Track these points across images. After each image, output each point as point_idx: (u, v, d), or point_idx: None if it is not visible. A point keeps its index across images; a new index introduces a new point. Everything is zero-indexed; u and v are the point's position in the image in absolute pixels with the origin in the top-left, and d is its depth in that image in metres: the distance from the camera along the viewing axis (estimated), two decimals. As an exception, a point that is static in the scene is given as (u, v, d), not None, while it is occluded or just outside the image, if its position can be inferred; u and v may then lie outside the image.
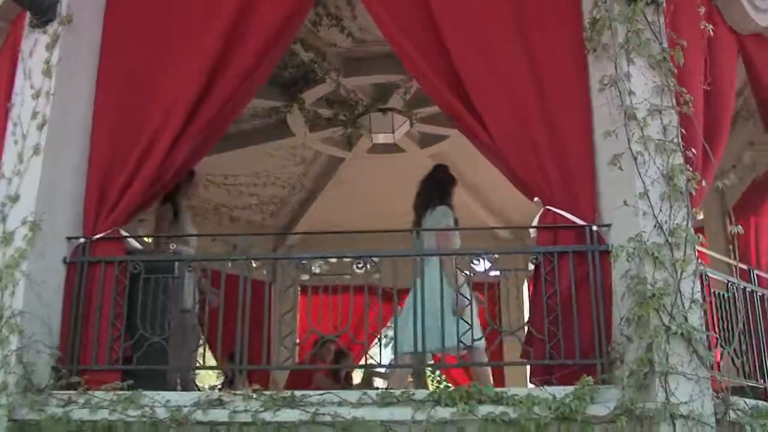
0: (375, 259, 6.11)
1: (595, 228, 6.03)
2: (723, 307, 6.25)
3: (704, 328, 5.60)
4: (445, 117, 10.44)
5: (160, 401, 5.70)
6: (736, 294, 6.41)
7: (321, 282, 13.17)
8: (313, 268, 13.74)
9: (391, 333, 6.65)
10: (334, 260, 13.40)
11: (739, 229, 6.23)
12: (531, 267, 11.24)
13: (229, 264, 6.41)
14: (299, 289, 12.57)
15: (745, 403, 5.93)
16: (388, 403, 5.56)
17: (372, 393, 5.64)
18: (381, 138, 10.46)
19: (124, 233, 6.40)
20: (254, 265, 10.13)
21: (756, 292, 6.67)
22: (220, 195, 12.18)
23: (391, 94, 10.13)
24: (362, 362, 11.94)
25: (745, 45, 7.51)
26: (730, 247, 9.10)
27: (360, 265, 6.03)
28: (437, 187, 7.91)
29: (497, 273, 12.82)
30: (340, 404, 5.59)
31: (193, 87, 6.55)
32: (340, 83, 9.80)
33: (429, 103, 10.18)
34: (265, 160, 11.52)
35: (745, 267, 6.79)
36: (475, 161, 11.37)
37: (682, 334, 5.47)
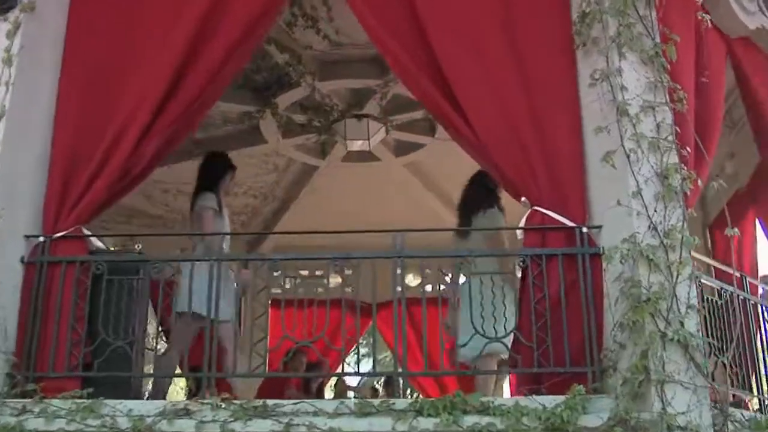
0: (353, 264, 5.70)
1: (585, 230, 5.66)
2: (716, 314, 5.87)
3: (701, 335, 5.22)
4: (422, 125, 10.25)
5: (122, 410, 5.23)
6: (729, 301, 6.02)
7: (295, 295, 13.04)
8: (286, 282, 13.49)
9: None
10: (305, 273, 13.19)
11: (735, 231, 5.85)
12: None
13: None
14: (270, 302, 12.15)
15: (742, 414, 5.56)
16: (367, 413, 5.13)
17: (350, 402, 5.22)
18: (356, 145, 10.05)
19: (86, 232, 5.93)
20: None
21: (748, 300, 6.29)
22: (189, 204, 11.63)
23: (367, 100, 9.73)
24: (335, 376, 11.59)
25: (734, 48, 7.22)
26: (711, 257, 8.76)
27: (336, 265, 5.61)
28: (487, 190, 7.45)
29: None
30: (315, 414, 5.15)
31: (162, 81, 6.12)
32: (315, 87, 9.40)
33: (406, 109, 9.86)
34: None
35: (738, 274, 6.43)
36: (451, 172, 11.11)
37: (678, 340, 5.12)
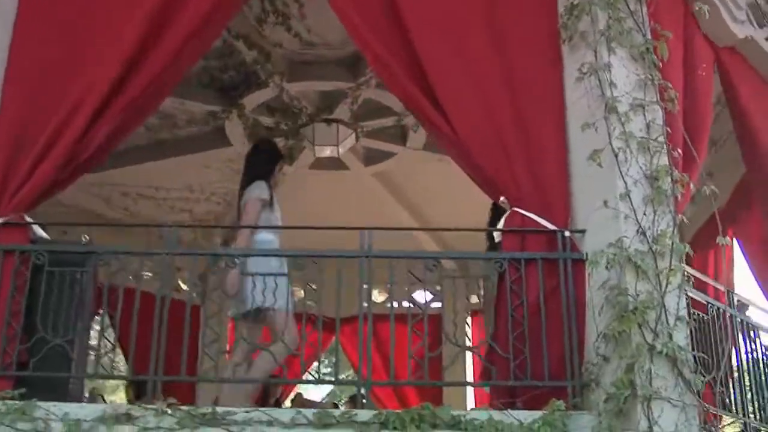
0: (318, 269, 5.17)
1: (567, 233, 5.20)
2: (702, 330, 5.41)
3: (690, 349, 4.77)
4: (393, 132, 9.78)
5: (57, 414, 4.65)
6: (716, 317, 5.57)
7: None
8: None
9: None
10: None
11: (727, 240, 5.40)
12: (474, 299, 10.50)
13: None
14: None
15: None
16: (327, 425, 4.60)
17: (307, 412, 4.69)
18: (325, 152, 9.53)
19: (28, 219, 5.37)
20: (184, 287, 9.25)
21: (736, 316, 5.84)
22: (150, 209, 11.05)
23: (337, 104, 9.23)
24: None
25: (721, 57, 6.82)
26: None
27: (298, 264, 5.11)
28: None
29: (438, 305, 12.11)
30: (270, 424, 4.62)
31: (115, 67, 5.57)
32: (284, 88, 8.89)
33: (377, 115, 9.42)
34: (200, 172, 10.48)
35: (724, 289, 5.99)
36: (421, 184, 10.67)
37: (667, 354, 4.65)
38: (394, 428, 4.53)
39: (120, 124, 5.67)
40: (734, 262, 8.61)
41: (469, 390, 10.62)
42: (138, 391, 8.51)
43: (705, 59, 6.49)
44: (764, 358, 6.08)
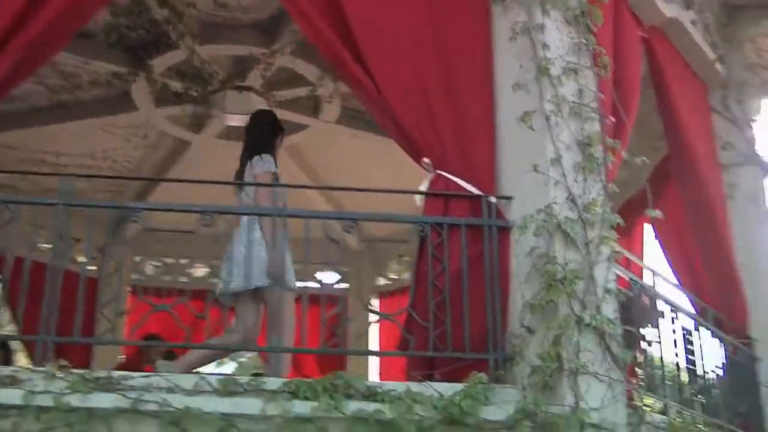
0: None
1: (493, 199, 4.86)
2: (625, 307, 5.13)
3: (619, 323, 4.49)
4: (306, 104, 9.33)
5: (-69, 377, 4.15)
6: (639, 295, 5.32)
7: (157, 283, 11.91)
8: (146, 269, 12.37)
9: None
10: (170, 261, 12.09)
11: (658, 213, 5.13)
12: (379, 281, 10.14)
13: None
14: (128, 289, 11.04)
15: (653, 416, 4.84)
16: (232, 393, 4.18)
17: (212, 379, 4.25)
18: (235, 120, 8.99)
19: None
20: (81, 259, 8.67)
21: (658, 295, 5.60)
22: (49, 177, 10.34)
23: (250, 70, 8.72)
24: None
25: (648, 36, 6.57)
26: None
27: (207, 219, 4.65)
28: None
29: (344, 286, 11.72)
30: (170, 391, 4.16)
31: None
32: (195, 51, 8.33)
33: (290, 84, 8.95)
34: (103, 138, 9.85)
35: (647, 266, 5.75)
36: (331, 158, 10.25)
37: (595, 327, 4.35)
38: (306, 398, 4.13)
39: (21, 61, 5.10)
40: (643, 252, 8.48)
41: (373, 368, 10.20)
42: (6, 357, 7.99)
43: (633, 37, 6.26)
44: (683, 338, 5.86)
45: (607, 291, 4.53)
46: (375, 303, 11.29)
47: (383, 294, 11.52)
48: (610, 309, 4.50)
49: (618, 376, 4.38)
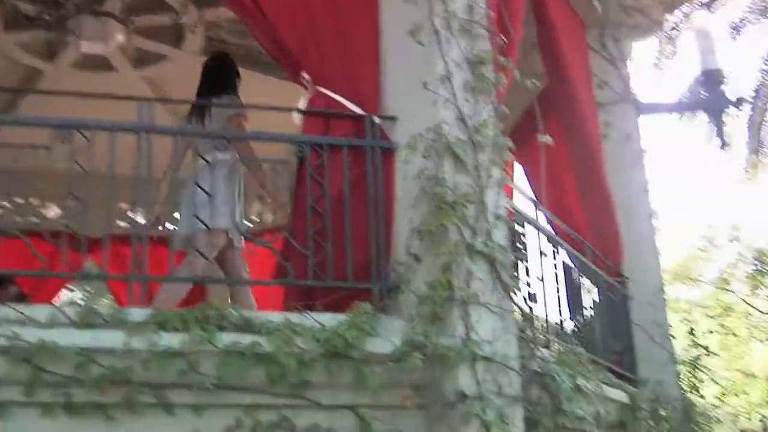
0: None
1: (377, 120, 4.46)
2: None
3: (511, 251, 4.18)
4: (168, 33, 8.69)
5: None
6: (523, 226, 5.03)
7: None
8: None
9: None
10: (20, 201, 11.25)
11: (548, 139, 4.84)
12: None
13: None
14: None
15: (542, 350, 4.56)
16: (91, 325, 3.67)
17: (69, 310, 3.73)
18: (91, 48, 8.29)
19: None
20: None
21: (541, 229, 5.33)
22: None
23: (109, -6, 8.04)
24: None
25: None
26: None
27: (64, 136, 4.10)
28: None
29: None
30: (22, 324, 3.62)
31: None
32: (51, -32, 7.62)
33: (152, 11, 8.29)
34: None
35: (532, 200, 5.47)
36: (193, 92, 9.62)
37: (486, 254, 4.02)
38: (174, 329, 3.67)
39: None
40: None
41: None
42: None
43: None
44: (564, 272, 5.63)
45: (498, 217, 4.21)
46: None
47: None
48: (500, 236, 4.19)
49: (509, 307, 4.08)
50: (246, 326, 3.77)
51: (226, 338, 3.66)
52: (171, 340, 3.62)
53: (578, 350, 5.12)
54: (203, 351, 3.63)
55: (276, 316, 3.87)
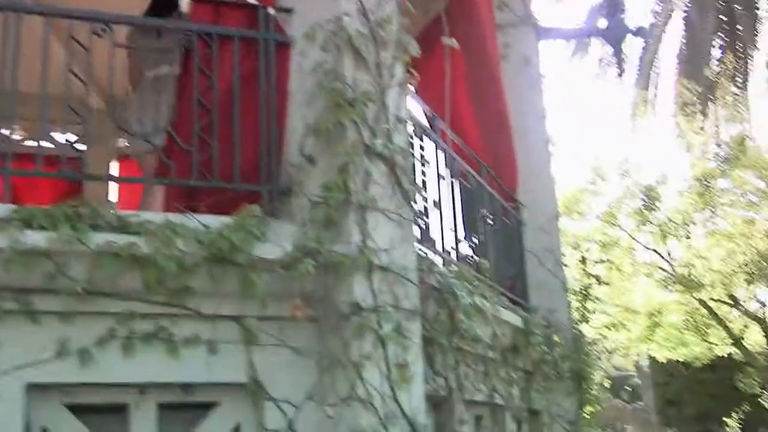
0: None
1: (272, 11, 4.06)
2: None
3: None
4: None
5: None
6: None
7: None
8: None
9: None
10: None
11: (453, 42, 4.53)
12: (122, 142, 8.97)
13: None
14: None
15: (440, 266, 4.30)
16: (-55, 221, 3.22)
17: None
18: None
19: None
20: None
21: (438, 143, 5.03)
22: None
23: None
24: None
25: None
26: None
27: None
28: None
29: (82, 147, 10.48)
30: None
31: None
32: None
33: None
34: None
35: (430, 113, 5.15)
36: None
37: (386, 156, 3.70)
38: (42, 227, 3.24)
39: None
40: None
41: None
42: None
43: None
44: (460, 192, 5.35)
45: (399, 119, 3.89)
46: (115, 166, 10.16)
47: (125, 158, 10.41)
48: (401, 139, 3.88)
49: (409, 216, 3.79)
50: (122, 226, 3.37)
51: (99, 238, 3.27)
52: (37, 238, 3.22)
53: (472, 272, 4.88)
54: (73, 251, 3.23)
55: (156, 216, 3.48)
